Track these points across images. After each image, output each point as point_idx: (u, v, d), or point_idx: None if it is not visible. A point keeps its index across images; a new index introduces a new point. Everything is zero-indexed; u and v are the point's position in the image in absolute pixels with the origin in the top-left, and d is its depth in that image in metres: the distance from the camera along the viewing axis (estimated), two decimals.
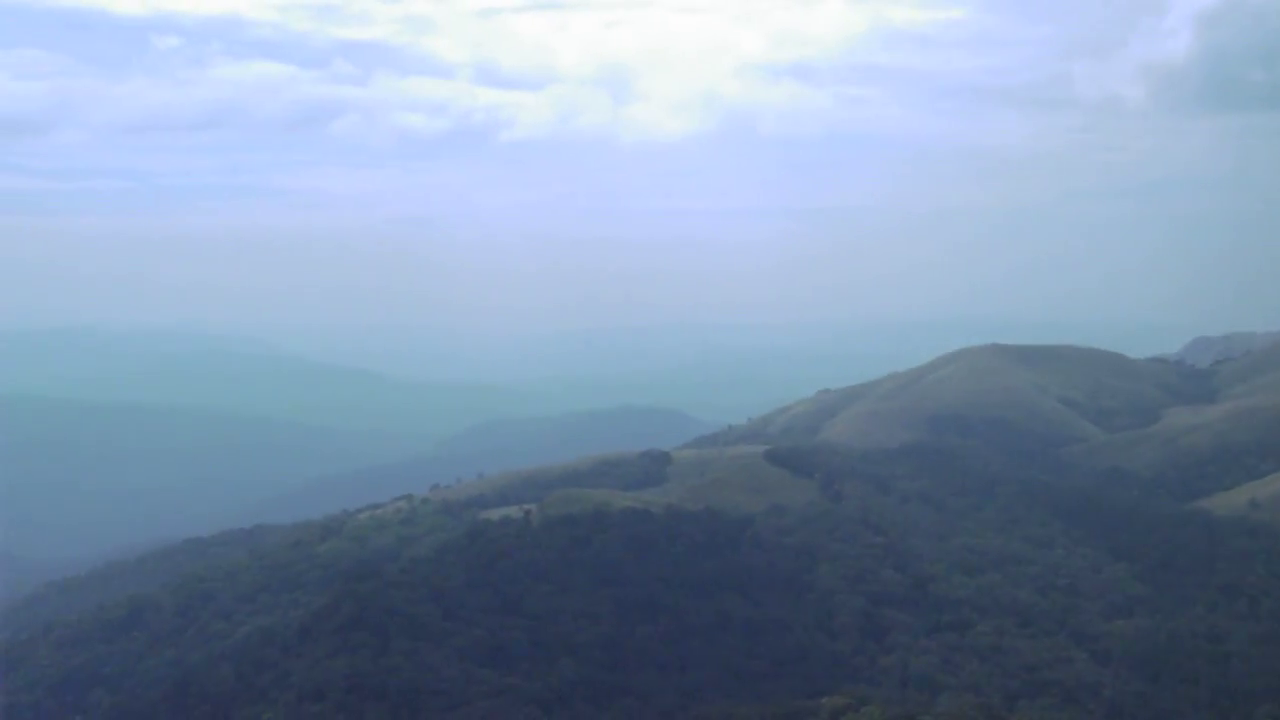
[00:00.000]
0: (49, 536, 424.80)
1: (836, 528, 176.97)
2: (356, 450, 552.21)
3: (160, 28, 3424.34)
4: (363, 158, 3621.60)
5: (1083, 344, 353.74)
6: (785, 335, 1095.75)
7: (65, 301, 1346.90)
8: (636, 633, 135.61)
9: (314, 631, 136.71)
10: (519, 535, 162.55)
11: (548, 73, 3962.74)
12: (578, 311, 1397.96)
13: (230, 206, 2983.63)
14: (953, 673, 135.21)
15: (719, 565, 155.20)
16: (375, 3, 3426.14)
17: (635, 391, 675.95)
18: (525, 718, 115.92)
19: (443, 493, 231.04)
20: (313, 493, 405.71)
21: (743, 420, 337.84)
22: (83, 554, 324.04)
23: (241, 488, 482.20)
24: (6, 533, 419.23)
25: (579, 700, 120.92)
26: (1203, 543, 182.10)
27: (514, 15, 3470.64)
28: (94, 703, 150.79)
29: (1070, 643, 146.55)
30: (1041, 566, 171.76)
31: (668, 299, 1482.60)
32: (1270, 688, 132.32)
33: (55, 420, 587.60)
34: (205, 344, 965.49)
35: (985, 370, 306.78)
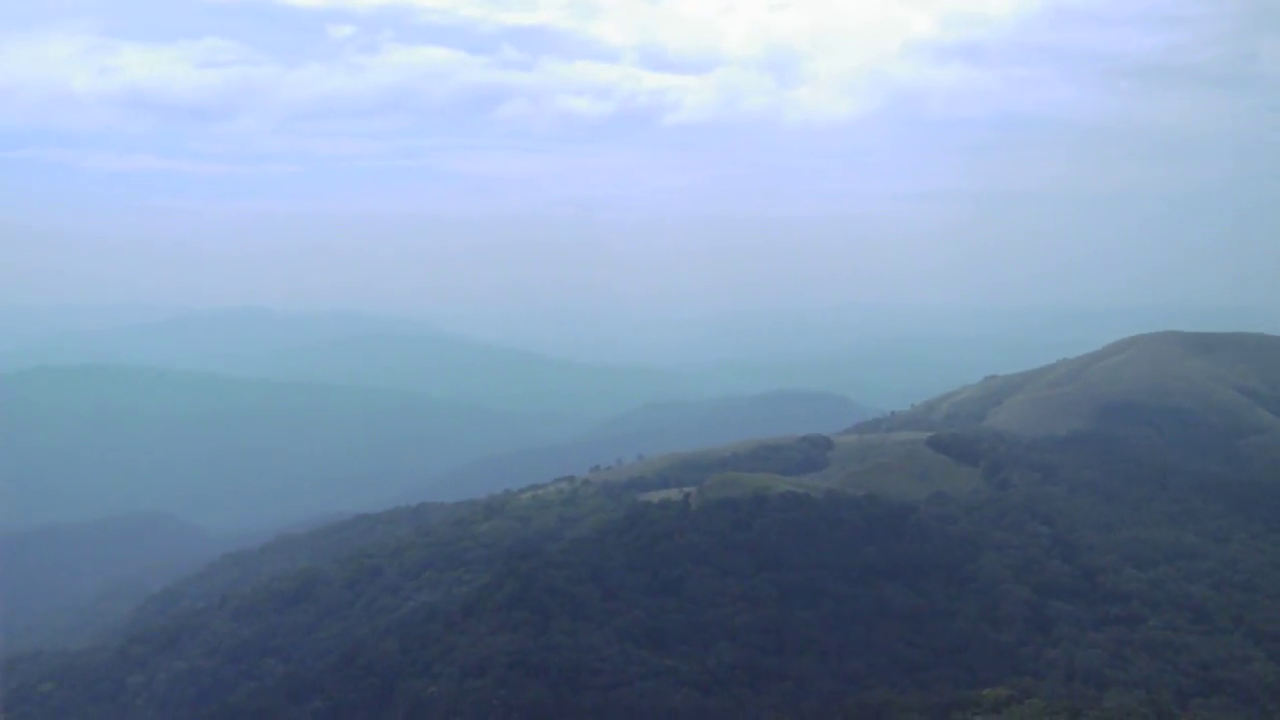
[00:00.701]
0: (226, 509, 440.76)
1: (1002, 516, 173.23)
2: (519, 431, 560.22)
3: (335, 16, 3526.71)
4: (528, 142, 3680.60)
5: (1264, 331, 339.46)
6: (951, 320, 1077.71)
7: (241, 283, 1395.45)
8: (796, 618, 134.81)
9: (477, 608, 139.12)
10: (678, 518, 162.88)
11: (713, 56, 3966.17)
12: (740, 294, 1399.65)
13: (398, 190, 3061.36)
14: (1121, 668, 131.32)
15: (880, 552, 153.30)
16: None
17: (797, 375, 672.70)
18: (683, 699, 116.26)
19: (603, 474, 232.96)
20: (476, 472, 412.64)
21: (906, 406, 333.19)
22: (257, 527, 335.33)
23: (407, 466, 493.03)
24: (188, 506, 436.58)
25: (737, 684, 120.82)
26: None
27: None
28: (267, 671, 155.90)
29: (1248, 641, 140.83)
30: (1217, 561, 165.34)
31: (832, 282, 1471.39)
32: None
33: (232, 398, 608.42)
34: (373, 326, 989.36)
35: (1159, 358, 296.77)
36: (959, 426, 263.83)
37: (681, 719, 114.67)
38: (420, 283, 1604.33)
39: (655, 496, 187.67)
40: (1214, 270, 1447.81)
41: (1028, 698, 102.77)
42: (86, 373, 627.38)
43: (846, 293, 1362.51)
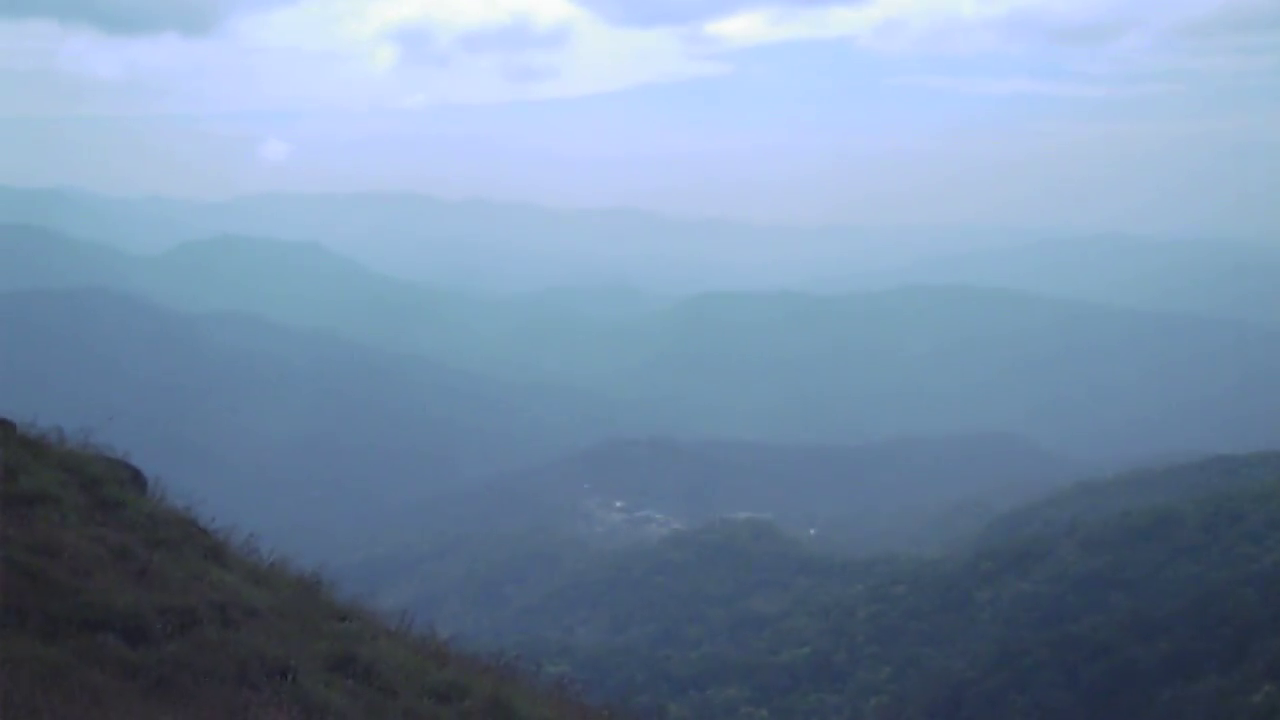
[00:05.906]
0: (1077, 437, 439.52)
1: None
2: None
3: None
4: None
5: None
6: None
7: (1107, 208, 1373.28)
8: None
9: None
10: None
11: None
12: None
13: None
14: None
15: None
16: None
17: None
18: None
19: None
20: None
21: None
22: (1108, 457, 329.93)
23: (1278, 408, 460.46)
24: (1040, 430, 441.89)
25: None
26: None
27: None
28: (1112, 604, 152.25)
29: None
30: None
31: None
32: None
33: (1092, 325, 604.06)
34: (1249, 255, 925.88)
35: None
36: None
37: None
38: None
39: None
40: None
41: None
42: (951, 292, 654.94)
43: None
